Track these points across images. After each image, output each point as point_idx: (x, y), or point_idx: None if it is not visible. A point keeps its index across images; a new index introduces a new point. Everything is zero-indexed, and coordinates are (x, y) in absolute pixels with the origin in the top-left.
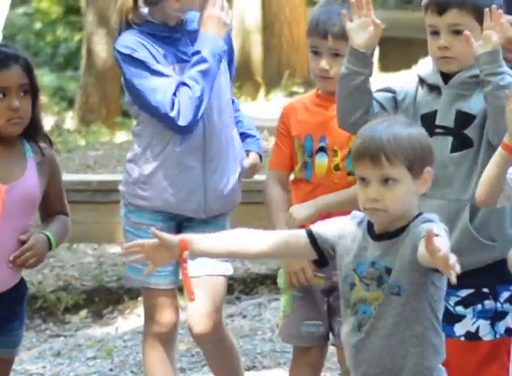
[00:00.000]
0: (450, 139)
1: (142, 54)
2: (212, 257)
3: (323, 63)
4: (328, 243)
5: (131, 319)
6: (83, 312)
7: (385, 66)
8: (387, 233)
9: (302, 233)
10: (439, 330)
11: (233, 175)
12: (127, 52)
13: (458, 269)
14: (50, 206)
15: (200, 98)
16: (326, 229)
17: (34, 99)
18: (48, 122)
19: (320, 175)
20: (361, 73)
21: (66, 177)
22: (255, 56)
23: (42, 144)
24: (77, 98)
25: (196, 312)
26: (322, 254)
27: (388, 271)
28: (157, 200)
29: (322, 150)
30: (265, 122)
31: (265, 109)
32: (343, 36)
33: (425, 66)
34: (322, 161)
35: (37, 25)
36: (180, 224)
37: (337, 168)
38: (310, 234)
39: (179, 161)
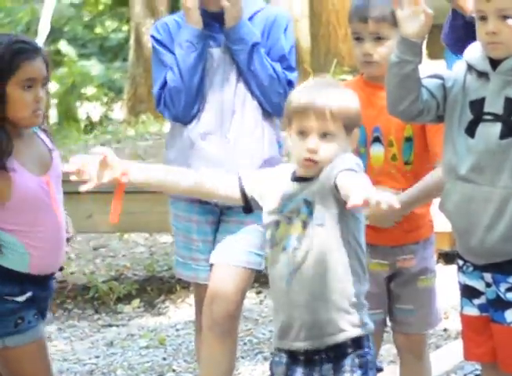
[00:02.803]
0: (499, 125)
1: (160, 37)
2: (147, 187)
3: (367, 47)
4: (255, 192)
5: (184, 308)
6: (135, 302)
7: (433, 53)
8: (310, 176)
9: (234, 177)
10: (363, 260)
11: (257, 159)
12: (152, 33)
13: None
14: None
15: (175, 88)
16: (253, 178)
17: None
18: (97, 113)
19: (377, 166)
20: (411, 61)
21: None
22: (303, 43)
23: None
24: (126, 89)
25: (213, 297)
26: (248, 201)
27: (307, 202)
28: None
29: (377, 140)
30: None
31: None
32: (383, 19)
33: (473, 52)
34: (378, 152)
35: (85, 16)
36: (219, 219)
37: (394, 158)
38: (239, 180)
39: (195, 146)
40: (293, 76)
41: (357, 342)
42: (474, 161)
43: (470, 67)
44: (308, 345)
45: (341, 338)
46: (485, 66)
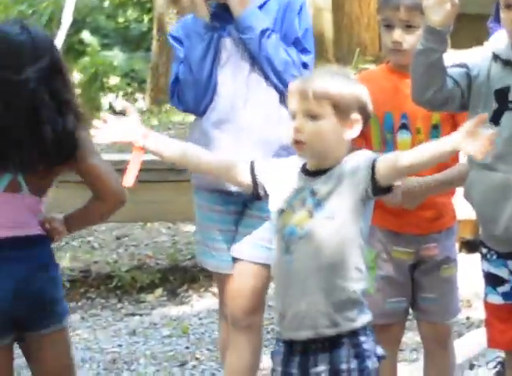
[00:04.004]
0: None
1: (176, 34)
2: (162, 157)
3: (396, 35)
4: (266, 180)
5: (207, 297)
6: (158, 291)
7: (456, 43)
8: (319, 170)
9: (247, 163)
10: (365, 257)
11: (273, 146)
12: (171, 31)
13: None
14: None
15: (185, 80)
16: (266, 167)
17: None
18: (119, 102)
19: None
20: (436, 50)
21: None
22: (326, 33)
23: None
24: (149, 78)
25: (234, 293)
26: (257, 188)
27: (313, 193)
28: (197, 177)
29: (404, 127)
30: None
31: None
32: (415, 7)
33: (499, 41)
34: (405, 139)
35: (108, 6)
36: (242, 211)
37: None
38: (252, 167)
39: (208, 136)
40: (308, 58)
41: (352, 332)
42: (499, 150)
43: (495, 56)
44: (301, 335)
45: (336, 331)
46: (511, 55)
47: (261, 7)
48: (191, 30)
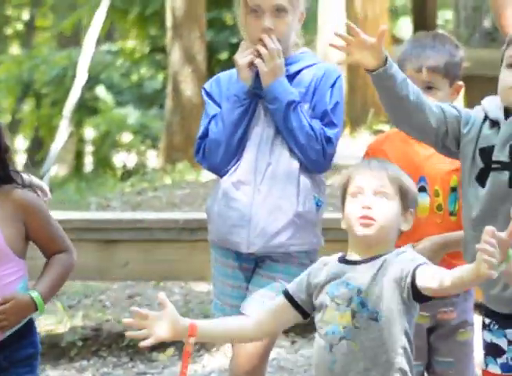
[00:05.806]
0: (507, 173)
1: (209, 89)
2: (216, 342)
3: None
4: (302, 292)
5: (218, 357)
6: (170, 350)
7: (471, 104)
8: (362, 259)
9: (281, 297)
10: (411, 357)
11: (287, 214)
12: (205, 85)
13: None
14: (44, 247)
15: (216, 140)
16: (297, 282)
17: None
18: (132, 160)
19: (422, 215)
20: (389, 86)
21: (152, 215)
22: None
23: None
24: (163, 136)
25: (236, 350)
26: (304, 310)
27: (359, 292)
28: (212, 233)
29: (422, 189)
30: (350, 160)
31: (350, 147)
32: (437, 69)
33: (491, 101)
34: (423, 202)
35: (122, 63)
36: (254, 268)
37: (439, 208)
38: (287, 295)
39: (227, 195)
40: (332, 132)
41: None
42: (486, 209)
43: (486, 116)
44: None
45: None
46: (498, 115)
47: (294, 76)
48: (231, 92)
